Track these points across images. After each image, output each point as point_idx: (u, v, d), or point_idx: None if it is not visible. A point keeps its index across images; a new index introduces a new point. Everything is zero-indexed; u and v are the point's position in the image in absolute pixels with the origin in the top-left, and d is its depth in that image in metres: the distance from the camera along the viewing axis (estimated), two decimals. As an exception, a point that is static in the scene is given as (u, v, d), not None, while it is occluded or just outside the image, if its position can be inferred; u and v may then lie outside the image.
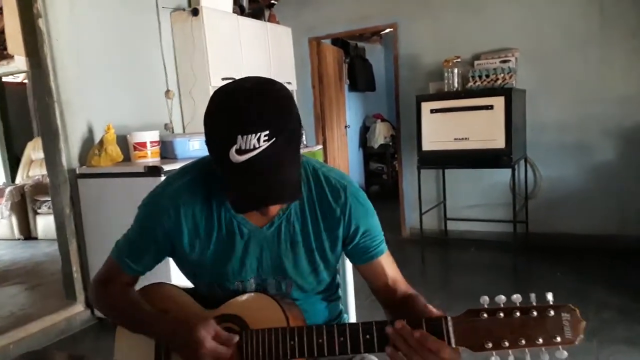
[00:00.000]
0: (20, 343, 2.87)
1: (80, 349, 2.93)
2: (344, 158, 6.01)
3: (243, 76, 0.95)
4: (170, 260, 1.19)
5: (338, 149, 5.79)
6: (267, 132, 0.84)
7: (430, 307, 0.98)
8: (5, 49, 5.41)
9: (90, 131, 3.21)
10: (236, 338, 0.98)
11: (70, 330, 3.12)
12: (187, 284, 1.22)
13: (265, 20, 4.55)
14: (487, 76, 3.87)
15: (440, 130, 3.86)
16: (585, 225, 4.01)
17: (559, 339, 0.78)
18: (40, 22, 2.96)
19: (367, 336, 0.90)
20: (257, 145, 0.84)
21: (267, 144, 0.84)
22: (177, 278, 1.25)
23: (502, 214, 4.23)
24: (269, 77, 0.94)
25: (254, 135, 0.83)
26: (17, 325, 3.01)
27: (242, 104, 0.85)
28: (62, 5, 3.06)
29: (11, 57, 5.59)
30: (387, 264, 1.13)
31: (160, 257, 1.15)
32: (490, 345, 0.80)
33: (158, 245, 1.10)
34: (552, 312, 0.79)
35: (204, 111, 0.93)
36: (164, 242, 1.10)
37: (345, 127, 6.14)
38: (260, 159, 0.84)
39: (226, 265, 1.09)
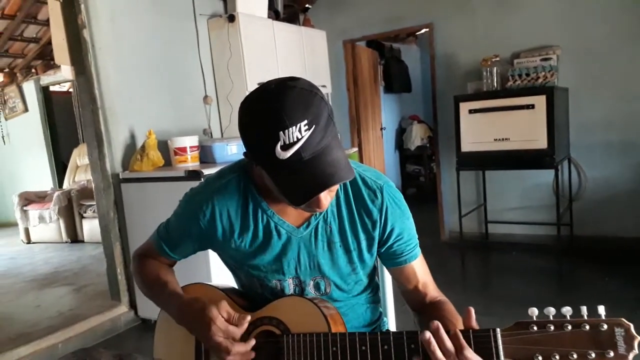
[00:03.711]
0: (67, 342, 2.98)
1: (125, 348, 3.01)
2: (380, 160, 5.97)
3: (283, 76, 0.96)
4: (211, 258, 1.21)
5: (374, 151, 5.76)
6: (306, 121, 0.85)
7: (457, 314, 0.99)
8: (52, 59, 5.64)
9: (133, 137, 3.30)
10: (248, 317, 1.00)
11: (115, 330, 3.22)
12: (229, 281, 1.25)
13: (300, 25, 4.58)
14: (528, 75, 3.77)
15: (479, 130, 3.78)
16: (633, 228, 3.84)
17: (612, 354, 0.75)
18: (85, 33, 3.08)
19: (412, 345, 0.89)
20: (299, 137, 0.84)
21: (309, 132, 0.85)
22: (217, 275, 1.27)
23: (545, 216, 4.10)
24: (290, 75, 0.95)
25: (294, 127, 0.84)
26: (65, 325, 3.13)
27: (275, 103, 0.86)
28: (104, 15, 3.17)
29: (57, 67, 5.84)
30: (419, 268, 1.13)
31: (195, 250, 1.19)
32: (540, 358, 0.78)
33: (192, 240, 1.15)
34: (605, 326, 0.76)
35: (238, 123, 0.94)
36: (198, 238, 1.14)
37: (381, 129, 6.10)
38: (307, 148, 0.85)
39: (262, 265, 1.11)
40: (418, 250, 1.14)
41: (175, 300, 1.09)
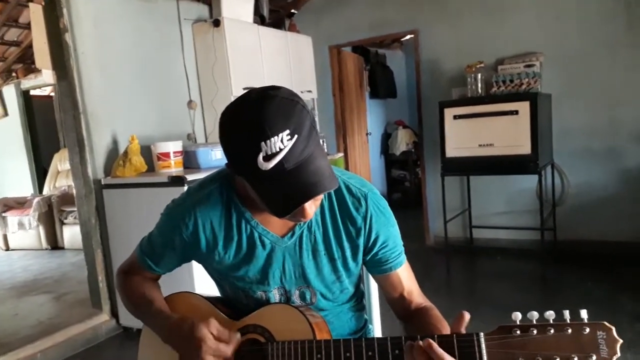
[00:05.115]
0: (47, 352, 2.92)
1: (106, 358, 2.96)
2: (365, 165, 5.98)
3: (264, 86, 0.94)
4: (194, 268, 1.20)
5: (359, 156, 5.77)
6: (288, 130, 0.84)
7: (443, 320, 0.99)
8: (33, 63, 5.56)
9: (115, 142, 3.26)
10: (237, 335, 0.99)
11: (96, 339, 3.16)
12: (214, 291, 1.23)
13: (285, 30, 4.58)
14: (512, 81, 3.81)
15: (464, 136, 3.81)
16: (615, 233, 3.89)
17: (594, 357, 0.75)
18: (67, 37, 3.03)
19: (397, 351, 0.89)
20: (282, 147, 0.83)
21: (291, 142, 0.84)
22: (201, 286, 1.25)
23: (529, 221, 4.14)
24: (272, 84, 0.94)
25: (276, 137, 0.83)
26: (44, 334, 3.06)
27: (256, 113, 0.85)
28: (87, 19, 3.13)
29: (39, 71, 5.76)
30: (404, 275, 1.13)
31: (179, 262, 1.17)
32: (522, 363, 0.77)
33: (176, 253, 1.13)
34: (587, 330, 0.76)
35: (218, 134, 0.93)
36: (181, 251, 1.12)
37: (367, 134, 6.12)
38: (290, 158, 0.84)
39: (247, 276, 1.09)
40: (403, 257, 1.13)
41: (163, 320, 1.06)
